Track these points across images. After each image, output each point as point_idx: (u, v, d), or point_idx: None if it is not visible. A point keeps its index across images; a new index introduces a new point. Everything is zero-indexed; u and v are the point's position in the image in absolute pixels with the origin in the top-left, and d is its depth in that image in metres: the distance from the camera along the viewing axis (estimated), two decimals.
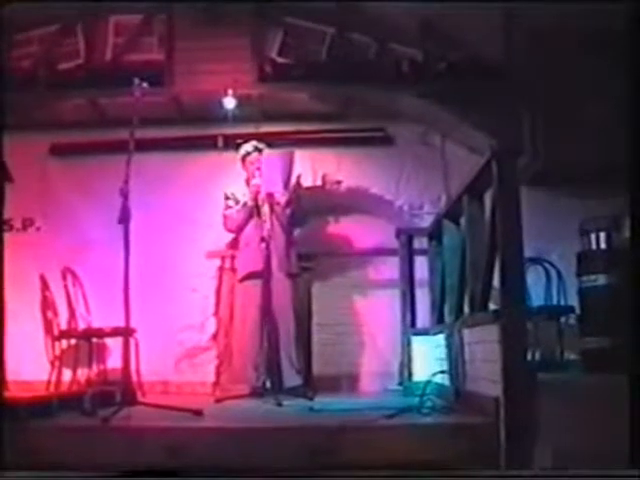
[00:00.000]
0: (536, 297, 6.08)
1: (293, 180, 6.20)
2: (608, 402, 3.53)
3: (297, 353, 6.01)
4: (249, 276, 5.98)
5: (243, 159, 6.25)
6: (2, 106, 4.62)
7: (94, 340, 6.50)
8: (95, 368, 6.60)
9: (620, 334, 4.21)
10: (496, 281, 4.04)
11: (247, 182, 6.20)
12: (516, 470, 3.56)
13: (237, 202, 6.13)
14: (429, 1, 6.04)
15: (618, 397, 3.36)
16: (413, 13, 6.42)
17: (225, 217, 6.20)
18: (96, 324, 6.47)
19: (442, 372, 5.10)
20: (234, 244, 6.31)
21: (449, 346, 5.06)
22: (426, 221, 6.76)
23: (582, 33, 5.99)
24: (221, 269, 7.10)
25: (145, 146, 5.77)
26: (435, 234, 6.00)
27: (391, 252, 6.90)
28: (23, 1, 5.42)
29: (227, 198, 6.20)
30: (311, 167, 7.13)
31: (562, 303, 6.12)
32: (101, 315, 6.47)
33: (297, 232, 6.44)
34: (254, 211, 6.02)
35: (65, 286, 6.40)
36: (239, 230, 6.14)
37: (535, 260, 6.14)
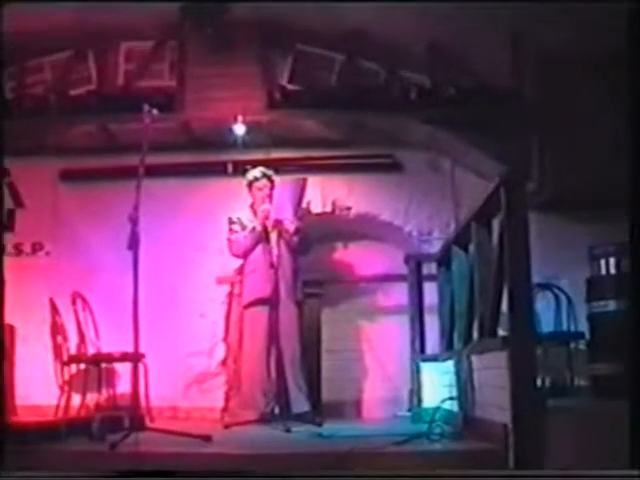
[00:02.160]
0: (546, 323, 6.07)
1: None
2: (618, 428, 3.50)
3: (304, 379, 5.99)
4: (257, 302, 5.96)
5: (250, 184, 6.23)
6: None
7: (103, 365, 6.52)
8: (104, 393, 6.61)
9: (630, 360, 4.20)
10: (505, 307, 4.03)
11: (252, 207, 6.20)
12: (518, 470, 3.55)
13: (243, 227, 6.12)
14: (434, 1, 6.03)
15: (629, 423, 3.34)
16: (421, 39, 6.48)
17: (231, 242, 6.18)
18: (105, 349, 6.48)
19: (451, 398, 5.08)
20: (242, 270, 6.31)
21: (458, 372, 5.05)
22: (435, 247, 6.76)
23: (590, 59, 6.01)
24: (230, 295, 7.10)
25: (155, 172, 5.80)
26: (444, 260, 6.00)
27: (400, 278, 6.89)
28: (23, 1, 5.44)
29: (232, 223, 6.18)
30: (321, 193, 7.14)
31: (572, 329, 6.09)
32: (110, 340, 6.47)
33: (306, 258, 6.44)
34: (262, 237, 6.02)
35: (75, 311, 6.41)
36: (245, 255, 6.12)
37: (545, 286, 6.14)
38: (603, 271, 5.01)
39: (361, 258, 7.41)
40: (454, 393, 5.08)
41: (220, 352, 7.08)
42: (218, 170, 7.19)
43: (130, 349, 4.65)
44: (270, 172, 6.24)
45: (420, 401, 6.19)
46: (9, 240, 6.94)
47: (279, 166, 6.65)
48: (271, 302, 5.77)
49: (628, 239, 3.56)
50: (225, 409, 6.86)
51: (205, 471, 3.65)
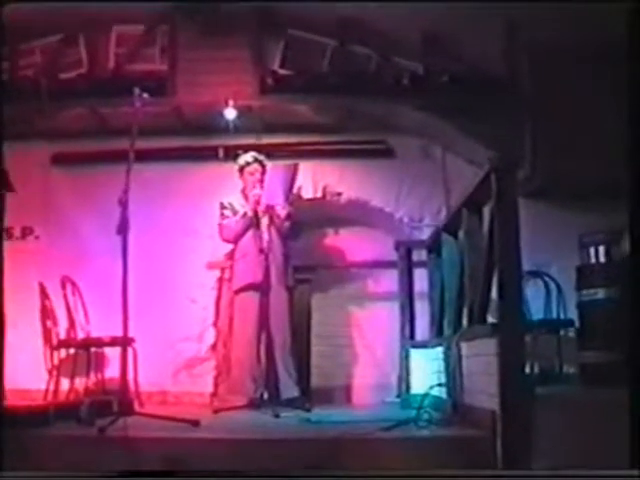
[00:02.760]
0: (535, 310, 6.08)
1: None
2: (607, 416, 3.52)
3: (294, 365, 5.99)
4: (247, 287, 5.97)
5: (241, 169, 6.23)
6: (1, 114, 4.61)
7: (92, 349, 6.51)
8: (93, 377, 6.60)
9: (619, 348, 4.21)
10: (495, 294, 4.03)
11: (243, 192, 6.19)
12: (515, 470, 3.55)
13: (234, 212, 6.12)
14: (432, 1, 6.01)
15: (617, 411, 3.35)
16: (414, 26, 6.46)
17: (222, 227, 6.18)
18: (95, 334, 6.47)
19: (440, 385, 5.08)
20: (233, 255, 6.30)
21: (447, 359, 5.05)
22: (426, 233, 6.76)
23: (583, 47, 6.00)
24: (220, 280, 7.09)
25: (146, 156, 5.78)
26: (434, 247, 6.00)
27: (390, 264, 6.89)
28: (23, 1, 5.41)
29: (223, 208, 6.17)
30: (312, 179, 7.12)
31: (561, 316, 6.09)
32: (100, 325, 6.46)
33: (297, 244, 6.44)
34: (253, 222, 6.02)
35: (64, 295, 6.39)
36: (236, 240, 6.12)
37: (535, 273, 6.14)
38: (593, 259, 5.01)
39: (352, 244, 7.41)
40: (443, 379, 5.07)
41: (210, 337, 7.07)
42: (209, 155, 7.17)
43: (120, 333, 4.65)
44: (261, 157, 6.24)
45: (409, 387, 6.22)
46: None
47: (270, 151, 6.65)
48: (261, 287, 5.78)
49: (625, 227, 3.57)
50: (214, 394, 6.87)
51: (205, 470, 3.64)
